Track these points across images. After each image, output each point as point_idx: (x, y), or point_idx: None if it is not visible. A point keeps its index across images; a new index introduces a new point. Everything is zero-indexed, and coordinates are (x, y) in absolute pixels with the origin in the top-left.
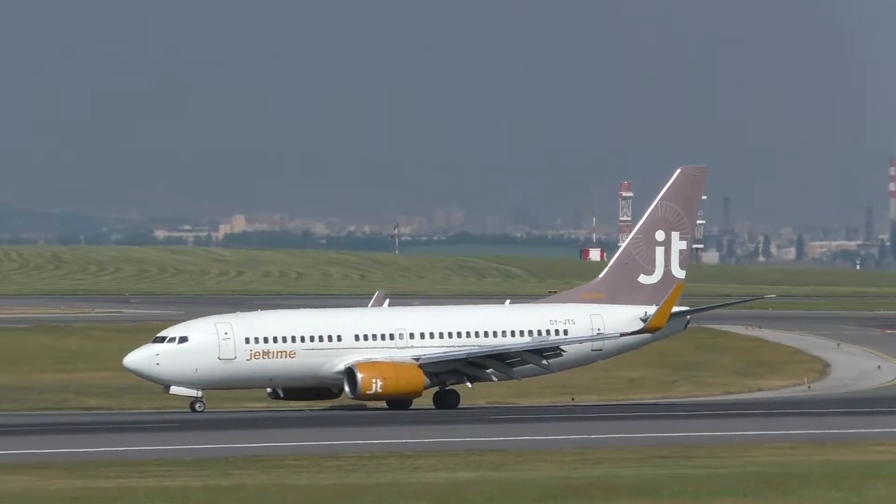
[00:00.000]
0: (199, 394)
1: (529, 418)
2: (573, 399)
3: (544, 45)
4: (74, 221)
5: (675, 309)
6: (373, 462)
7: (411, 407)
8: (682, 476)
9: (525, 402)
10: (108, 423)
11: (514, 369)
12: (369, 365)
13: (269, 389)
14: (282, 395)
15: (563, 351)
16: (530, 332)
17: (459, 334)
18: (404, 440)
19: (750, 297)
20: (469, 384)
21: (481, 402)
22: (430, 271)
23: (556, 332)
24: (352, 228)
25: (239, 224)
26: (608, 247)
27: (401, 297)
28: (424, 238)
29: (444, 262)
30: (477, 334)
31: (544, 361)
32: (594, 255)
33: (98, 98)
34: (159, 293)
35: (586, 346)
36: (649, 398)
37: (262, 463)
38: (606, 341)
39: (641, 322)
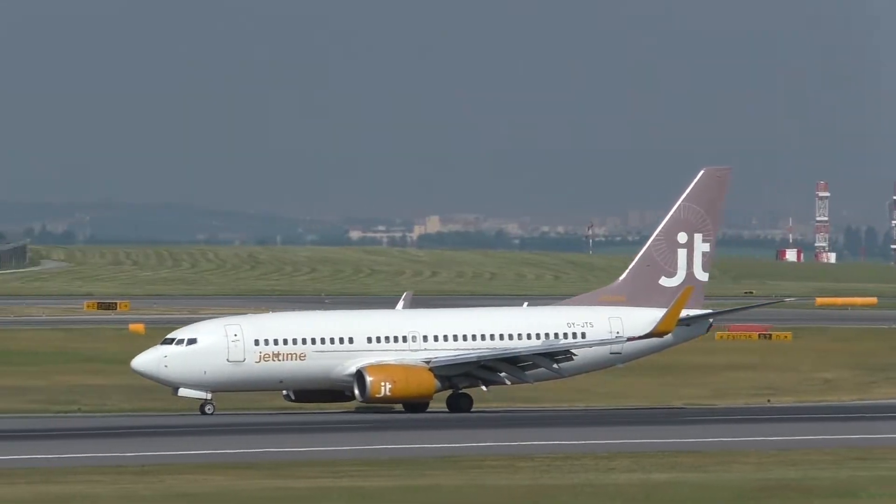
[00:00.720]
0: (209, 396)
1: (725, 419)
2: (769, 401)
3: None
4: (271, 222)
5: (697, 312)
6: (567, 463)
7: (427, 410)
8: (880, 478)
9: (721, 404)
10: (305, 423)
11: (526, 373)
12: (379, 368)
13: (284, 392)
14: (292, 398)
15: (574, 354)
16: (546, 335)
17: (474, 337)
18: (598, 441)
19: (773, 300)
20: (483, 387)
21: (677, 403)
22: (623, 271)
23: (574, 335)
24: (545, 229)
25: (433, 225)
26: (804, 247)
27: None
28: (619, 238)
29: None
30: (492, 337)
31: (555, 365)
32: (790, 255)
33: (297, 100)
34: (354, 293)
35: (604, 350)
36: (846, 400)
37: (458, 463)
38: (625, 345)
39: None
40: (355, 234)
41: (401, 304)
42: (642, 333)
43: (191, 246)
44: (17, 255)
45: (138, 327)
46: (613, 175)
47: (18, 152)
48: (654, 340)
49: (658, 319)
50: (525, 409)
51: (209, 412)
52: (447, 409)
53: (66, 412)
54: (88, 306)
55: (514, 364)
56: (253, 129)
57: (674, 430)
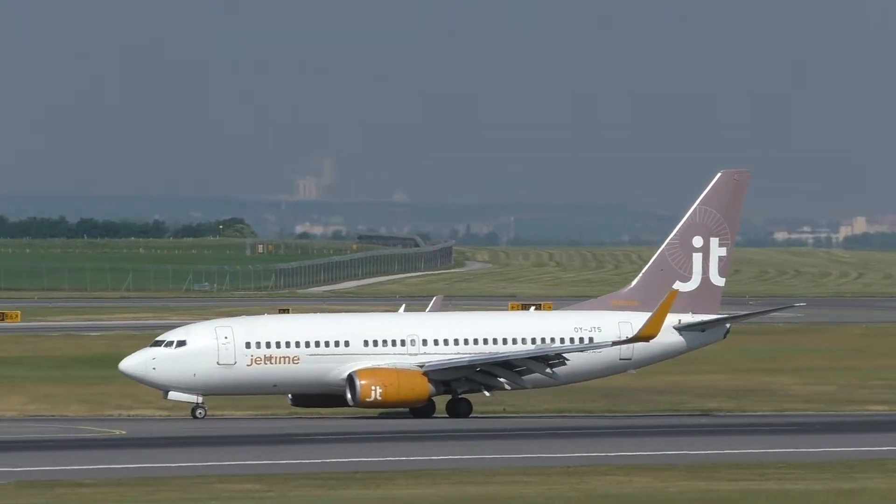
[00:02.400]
0: (200, 399)
1: None
2: None
3: None
4: None
5: (712, 316)
6: None
7: (434, 415)
8: None
9: None
10: (722, 425)
11: (523, 378)
12: (370, 371)
13: (289, 396)
14: (291, 402)
15: (567, 359)
16: (552, 340)
17: (476, 341)
18: None
19: (783, 306)
20: (486, 393)
21: None
22: None
23: (581, 339)
24: None
25: (859, 225)
26: None
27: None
28: None
29: None
30: (494, 341)
31: (548, 370)
32: None
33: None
34: (778, 294)
35: (613, 355)
36: None
37: (884, 466)
38: (635, 350)
39: (675, 331)
40: (780, 236)
41: (401, 310)
42: (661, 340)
43: (615, 247)
44: (443, 256)
45: None
46: None
47: (441, 155)
48: (668, 346)
49: (669, 324)
50: None
51: (200, 416)
52: (447, 415)
53: (490, 414)
54: (512, 307)
55: (509, 368)
56: (680, 129)
57: None
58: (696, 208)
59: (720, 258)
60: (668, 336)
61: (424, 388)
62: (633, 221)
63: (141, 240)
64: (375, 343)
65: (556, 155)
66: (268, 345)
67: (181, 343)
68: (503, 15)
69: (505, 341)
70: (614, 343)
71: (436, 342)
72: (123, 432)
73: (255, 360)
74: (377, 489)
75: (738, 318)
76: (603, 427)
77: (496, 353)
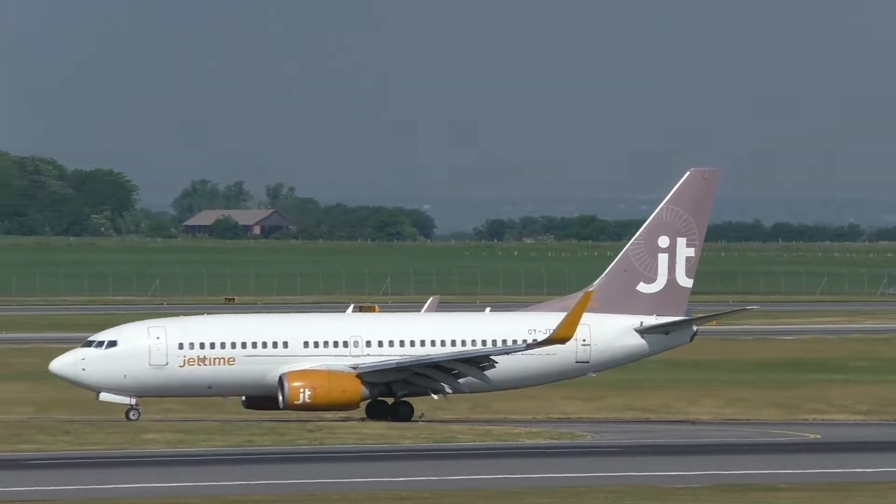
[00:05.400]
0: (134, 402)
1: None
2: None
3: None
4: None
5: (677, 318)
6: None
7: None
8: None
9: None
10: None
11: (460, 381)
12: (300, 374)
13: (242, 398)
14: (243, 405)
15: (496, 362)
16: (504, 342)
17: (423, 343)
18: None
19: (740, 308)
20: (434, 396)
21: None
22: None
23: (535, 342)
24: None
25: None
26: None
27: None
28: None
29: None
30: (443, 343)
31: (482, 373)
32: None
33: None
34: None
35: (569, 358)
36: None
37: None
38: (592, 353)
39: (637, 333)
40: None
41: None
42: (617, 342)
43: None
44: None
45: None
46: None
47: None
48: (630, 349)
49: (630, 326)
50: None
51: (133, 418)
52: (389, 418)
53: None
54: None
55: (445, 371)
56: None
57: None
58: (663, 207)
59: (688, 259)
60: (628, 339)
61: (357, 390)
62: None
63: (835, 244)
64: (316, 344)
65: None
66: (202, 345)
67: (112, 343)
68: None
69: (454, 343)
70: (528, 346)
71: (380, 344)
72: (818, 436)
73: (189, 361)
74: None
75: (703, 319)
76: None
77: (423, 355)
